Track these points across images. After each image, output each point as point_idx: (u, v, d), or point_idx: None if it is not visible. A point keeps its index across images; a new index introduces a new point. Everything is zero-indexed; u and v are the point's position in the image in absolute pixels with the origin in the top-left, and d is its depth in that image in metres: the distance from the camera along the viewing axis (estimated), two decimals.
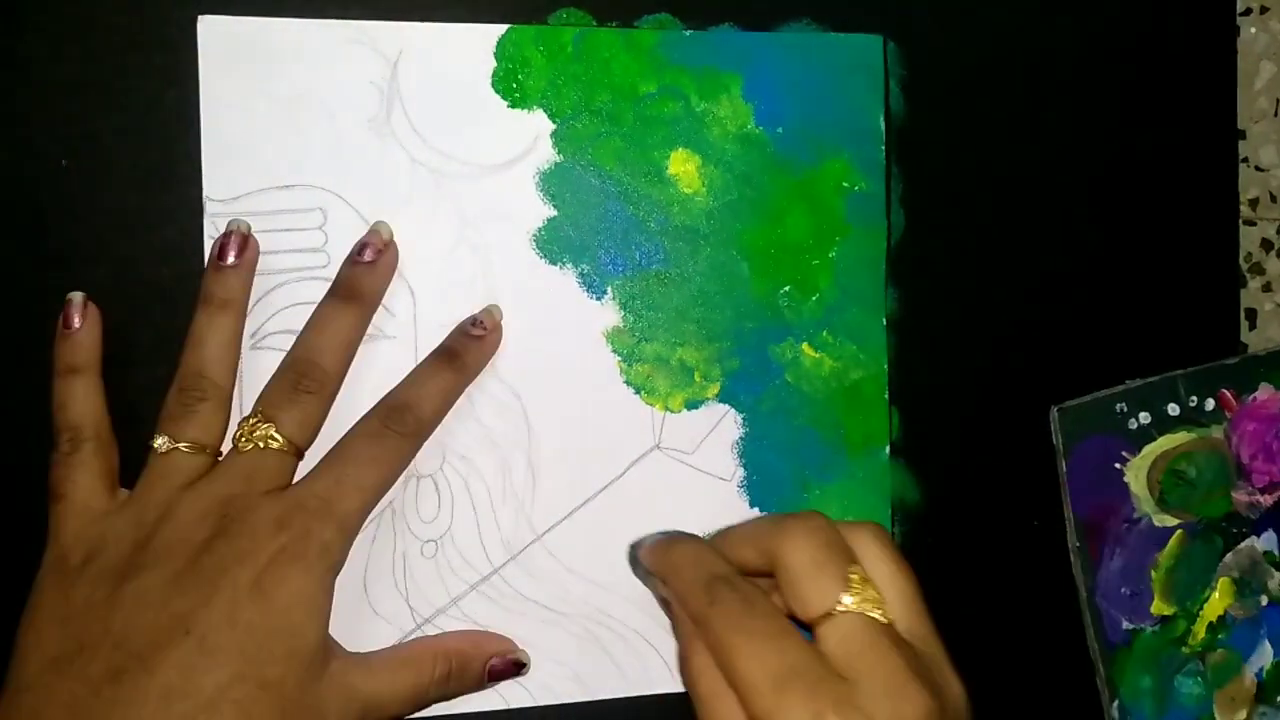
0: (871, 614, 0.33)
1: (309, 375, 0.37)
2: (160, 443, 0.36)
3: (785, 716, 0.31)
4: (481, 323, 0.40)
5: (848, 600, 0.33)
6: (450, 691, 0.38)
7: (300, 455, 0.37)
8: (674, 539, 0.37)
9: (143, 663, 0.32)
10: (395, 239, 0.39)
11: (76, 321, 0.37)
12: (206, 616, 0.33)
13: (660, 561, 0.37)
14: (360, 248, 0.38)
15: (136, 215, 0.38)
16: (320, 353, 0.37)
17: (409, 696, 0.37)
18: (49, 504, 0.36)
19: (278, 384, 0.37)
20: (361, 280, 0.38)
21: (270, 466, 0.36)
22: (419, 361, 0.39)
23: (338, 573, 0.35)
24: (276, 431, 0.36)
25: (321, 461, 0.36)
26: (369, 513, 0.37)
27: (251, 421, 0.36)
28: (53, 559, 0.35)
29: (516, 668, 0.40)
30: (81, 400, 0.37)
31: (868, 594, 0.33)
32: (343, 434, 0.37)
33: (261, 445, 0.36)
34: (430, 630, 0.40)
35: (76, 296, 0.37)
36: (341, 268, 0.39)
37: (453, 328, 0.40)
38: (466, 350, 0.39)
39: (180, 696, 0.32)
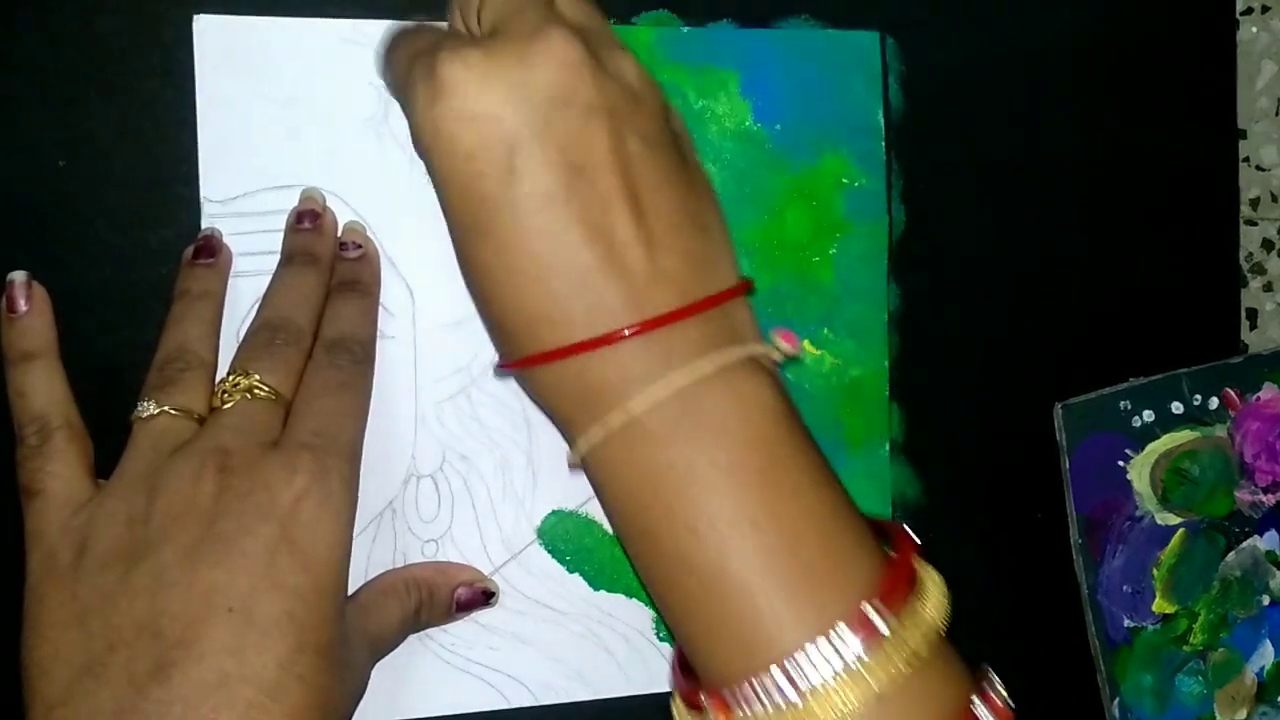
0: None
1: (284, 329, 0.35)
2: (144, 408, 0.33)
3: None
4: (352, 244, 0.38)
5: None
6: (422, 622, 0.37)
7: (287, 407, 0.34)
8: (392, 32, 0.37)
9: (188, 650, 0.29)
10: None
11: (22, 305, 0.34)
12: (246, 585, 0.29)
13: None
14: (298, 217, 0.37)
15: (134, 215, 0.38)
16: (291, 309, 0.35)
17: (398, 627, 0.36)
18: (24, 503, 0.33)
19: (252, 341, 0.35)
20: (314, 243, 0.37)
21: (261, 415, 0.33)
22: (417, 361, 0.39)
23: (355, 512, 0.33)
24: (261, 380, 0.34)
25: (294, 409, 0.34)
26: (363, 442, 0.35)
27: (232, 378, 0.34)
28: (41, 560, 0.31)
29: (485, 597, 0.38)
30: (43, 387, 0.34)
31: None
32: None
33: (249, 395, 0.33)
34: (431, 631, 0.40)
35: (18, 276, 0.35)
36: (287, 237, 0.37)
37: (451, 327, 0.39)
38: (358, 273, 0.37)
39: (240, 682, 0.28)
